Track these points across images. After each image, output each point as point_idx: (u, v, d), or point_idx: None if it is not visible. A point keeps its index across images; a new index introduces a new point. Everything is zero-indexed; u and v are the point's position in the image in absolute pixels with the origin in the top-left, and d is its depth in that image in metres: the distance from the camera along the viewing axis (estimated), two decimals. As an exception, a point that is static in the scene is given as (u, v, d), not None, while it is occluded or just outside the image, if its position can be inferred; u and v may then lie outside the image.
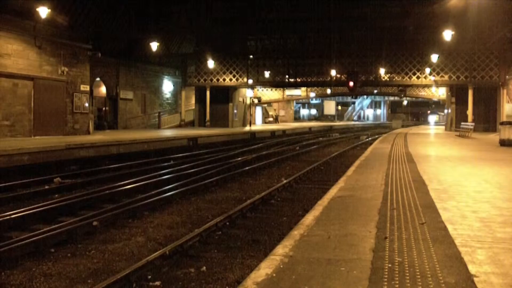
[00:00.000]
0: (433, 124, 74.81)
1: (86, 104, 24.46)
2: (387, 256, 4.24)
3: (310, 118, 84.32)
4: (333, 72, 35.17)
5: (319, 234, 5.07)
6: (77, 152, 16.84)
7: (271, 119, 56.70)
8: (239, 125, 40.91)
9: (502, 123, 19.98)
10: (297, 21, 34.44)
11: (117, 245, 7.24)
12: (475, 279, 3.64)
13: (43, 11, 19.52)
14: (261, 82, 37.35)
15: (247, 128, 38.16)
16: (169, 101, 39.33)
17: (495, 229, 5.26)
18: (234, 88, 38.72)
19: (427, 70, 33.29)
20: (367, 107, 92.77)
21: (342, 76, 35.40)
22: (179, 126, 36.52)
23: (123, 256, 6.75)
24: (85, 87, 24.38)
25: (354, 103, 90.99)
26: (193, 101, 40.72)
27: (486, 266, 3.96)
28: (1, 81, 19.81)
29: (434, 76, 33.35)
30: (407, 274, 3.77)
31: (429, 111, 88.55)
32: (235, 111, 40.17)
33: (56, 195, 11.16)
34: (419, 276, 3.72)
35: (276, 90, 49.06)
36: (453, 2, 22.81)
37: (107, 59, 29.39)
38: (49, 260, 6.55)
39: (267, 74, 36.48)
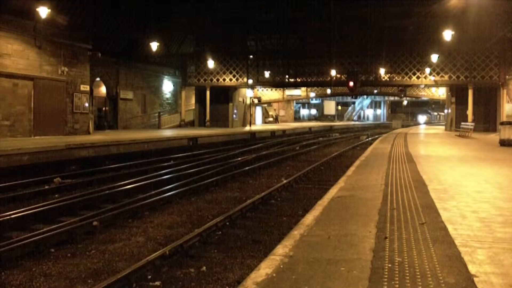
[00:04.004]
0: (423, 123, 74.83)
1: (86, 104, 24.46)
2: (387, 256, 4.24)
3: (310, 118, 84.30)
4: (333, 72, 35.17)
5: (319, 234, 5.07)
6: (77, 152, 16.84)
7: (271, 119, 56.68)
8: (239, 125, 40.91)
9: (502, 123, 19.98)
10: (297, 21, 34.43)
11: (117, 245, 7.24)
12: (475, 279, 3.64)
13: (43, 11, 19.52)
14: (261, 82, 37.35)
15: (247, 128, 38.16)
16: (169, 101, 39.31)
17: (495, 229, 5.26)
18: (234, 88, 38.71)
19: (427, 70, 33.29)
20: (367, 107, 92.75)
21: (342, 76, 35.40)
22: (179, 126, 36.53)
23: (123, 256, 6.75)
24: (85, 87, 24.38)
25: (354, 103, 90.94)
26: (193, 101, 40.71)
27: (486, 266, 3.96)
28: (1, 81, 19.81)
29: (434, 76, 33.36)
30: (407, 274, 3.77)
31: (422, 111, 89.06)
32: (235, 111, 40.17)
33: (56, 195, 11.15)
34: (419, 276, 3.72)
35: (276, 90, 49.05)
36: (453, 2, 22.81)
37: (107, 59, 29.38)
38: (49, 260, 6.55)
39: (267, 74, 36.48)
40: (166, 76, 38.62)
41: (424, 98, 58.93)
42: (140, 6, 29.40)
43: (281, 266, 4.00)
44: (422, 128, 48.09)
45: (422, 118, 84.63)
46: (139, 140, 20.41)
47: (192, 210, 9.76)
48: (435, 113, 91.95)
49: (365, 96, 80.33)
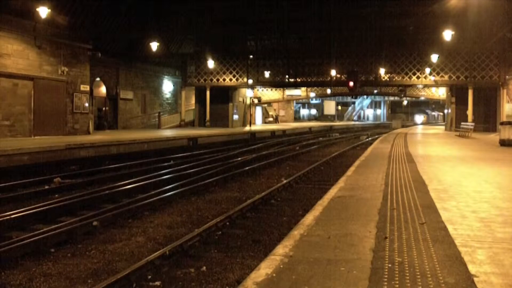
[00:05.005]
0: (420, 124, 74.08)
1: (86, 104, 24.46)
2: (387, 256, 4.24)
3: (310, 118, 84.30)
4: (333, 72, 35.17)
5: (319, 234, 5.07)
6: (77, 152, 16.85)
7: (271, 119, 56.68)
8: (239, 125, 40.91)
9: (502, 123, 19.98)
10: (297, 21, 34.44)
11: (117, 245, 7.24)
12: (475, 279, 3.64)
13: (43, 11, 19.51)
14: (261, 82, 37.35)
15: (247, 128, 38.16)
16: (169, 101, 39.32)
17: (495, 229, 5.26)
18: (234, 88, 38.72)
19: (427, 70, 33.30)
20: (367, 107, 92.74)
21: (342, 76, 35.40)
22: (179, 126, 36.53)
23: (123, 256, 6.75)
24: (85, 87, 24.38)
25: (354, 103, 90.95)
26: (193, 101, 40.72)
27: (486, 266, 3.96)
28: (1, 81, 19.81)
29: (434, 76, 33.36)
30: (407, 274, 3.77)
31: (420, 110, 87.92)
32: (235, 111, 40.17)
33: (56, 195, 11.15)
34: (419, 276, 3.72)
35: (276, 90, 49.05)
36: (453, 2, 22.82)
37: (107, 59, 29.39)
38: (49, 260, 6.55)
39: (267, 74, 36.48)
40: (166, 76, 38.63)
41: (423, 98, 58.87)
42: (140, 6, 29.41)
43: (281, 266, 4.00)
44: (422, 128, 48.07)
45: (419, 118, 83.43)
46: (139, 140, 20.41)
47: (192, 210, 9.76)
48: (433, 113, 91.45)
49: (365, 96, 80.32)
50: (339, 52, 34.40)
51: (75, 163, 16.32)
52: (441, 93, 46.08)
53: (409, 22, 31.52)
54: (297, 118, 78.04)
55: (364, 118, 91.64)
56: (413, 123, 74.86)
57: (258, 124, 49.71)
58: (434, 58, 31.44)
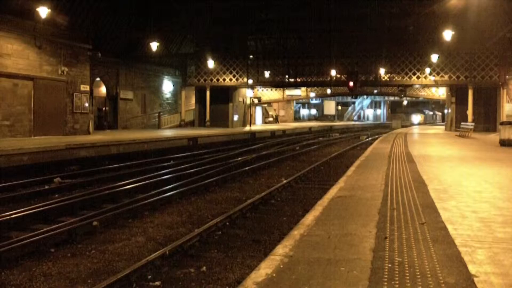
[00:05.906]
0: (417, 124, 73.59)
1: (86, 104, 24.46)
2: (387, 256, 4.24)
3: (310, 118, 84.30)
4: (333, 72, 35.17)
5: (319, 234, 5.07)
6: (77, 152, 16.84)
7: (271, 119, 56.67)
8: (239, 125, 40.90)
9: (502, 123, 19.98)
10: (297, 21, 34.44)
11: (117, 245, 7.24)
12: (475, 279, 3.64)
13: (43, 11, 19.50)
14: (261, 82, 37.35)
15: (247, 128, 38.15)
16: (169, 101, 39.31)
17: (495, 229, 5.26)
18: (234, 88, 38.70)
19: (427, 70, 33.29)
20: (367, 107, 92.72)
21: (342, 76, 35.39)
22: (179, 126, 36.53)
23: (123, 256, 6.75)
24: (85, 87, 24.37)
25: (354, 103, 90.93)
26: (193, 101, 40.70)
27: (486, 266, 3.96)
28: (1, 81, 19.80)
29: (434, 76, 33.36)
30: (407, 274, 3.77)
31: (419, 110, 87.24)
32: (235, 111, 40.17)
33: (56, 195, 11.15)
34: (419, 276, 3.72)
35: (276, 90, 49.05)
36: (453, 2, 22.82)
37: (107, 59, 29.36)
38: (49, 260, 6.55)
39: (267, 74, 36.47)
40: (166, 76, 38.62)
41: (421, 98, 58.82)
42: (140, 5, 29.42)
43: (281, 266, 4.00)
44: (421, 129, 48.06)
45: (416, 118, 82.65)
46: (139, 140, 20.41)
47: (192, 210, 9.76)
48: (431, 113, 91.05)
49: (365, 96, 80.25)
50: (339, 52, 34.40)
51: (75, 163, 16.31)
52: (441, 93, 46.08)
53: (409, 22, 31.53)
54: (297, 118, 78.05)
55: (364, 118, 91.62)
56: (410, 123, 74.67)
57: (258, 124, 49.70)
58: (434, 58, 31.43)
